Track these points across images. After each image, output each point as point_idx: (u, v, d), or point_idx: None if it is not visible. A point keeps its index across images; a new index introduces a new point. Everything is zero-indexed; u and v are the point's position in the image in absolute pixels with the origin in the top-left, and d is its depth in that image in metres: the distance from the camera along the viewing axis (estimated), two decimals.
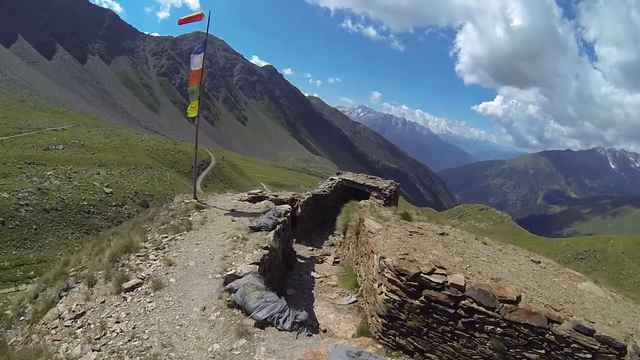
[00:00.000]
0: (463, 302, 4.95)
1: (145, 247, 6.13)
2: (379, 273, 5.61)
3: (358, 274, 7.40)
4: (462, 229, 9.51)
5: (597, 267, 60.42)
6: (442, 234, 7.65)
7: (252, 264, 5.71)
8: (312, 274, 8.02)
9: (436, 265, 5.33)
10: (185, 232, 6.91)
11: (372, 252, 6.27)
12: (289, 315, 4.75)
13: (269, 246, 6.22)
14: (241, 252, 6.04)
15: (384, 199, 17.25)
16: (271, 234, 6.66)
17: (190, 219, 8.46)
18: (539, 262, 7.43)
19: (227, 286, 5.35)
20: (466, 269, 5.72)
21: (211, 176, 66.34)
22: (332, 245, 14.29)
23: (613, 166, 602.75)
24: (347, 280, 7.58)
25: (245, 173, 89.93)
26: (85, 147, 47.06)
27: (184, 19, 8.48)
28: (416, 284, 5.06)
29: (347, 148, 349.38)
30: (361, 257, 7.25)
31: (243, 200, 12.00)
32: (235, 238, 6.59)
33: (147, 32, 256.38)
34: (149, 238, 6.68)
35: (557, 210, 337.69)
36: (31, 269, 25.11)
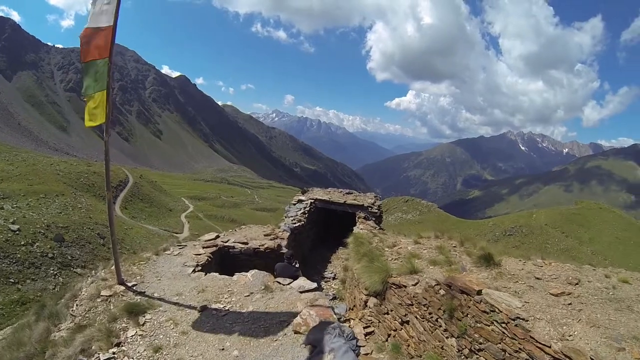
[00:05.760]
0: None
1: None
2: None
3: None
4: (535, 257, 7.65)
5: (525, 240, 68.30)
6: (577, 284, 5.55)
7: None
8: None
9: None
10: None
11: None
12: None
13: None
14: None
15: (374, 218, 14.79)
16: None
17: None
18: None
19: None
20: None
21: (130, 197, 63.55)
22: (335, 298, 11.26)
23: (523, 148, 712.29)
24: None
25: (166, 189, 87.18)
26: None
27: None
28: None
29: (264, 154, 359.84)
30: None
31: (204, 268, 7.93)
32: None
33: (51, 44, 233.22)
34: None
35: (477, 194, 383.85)
36: None
